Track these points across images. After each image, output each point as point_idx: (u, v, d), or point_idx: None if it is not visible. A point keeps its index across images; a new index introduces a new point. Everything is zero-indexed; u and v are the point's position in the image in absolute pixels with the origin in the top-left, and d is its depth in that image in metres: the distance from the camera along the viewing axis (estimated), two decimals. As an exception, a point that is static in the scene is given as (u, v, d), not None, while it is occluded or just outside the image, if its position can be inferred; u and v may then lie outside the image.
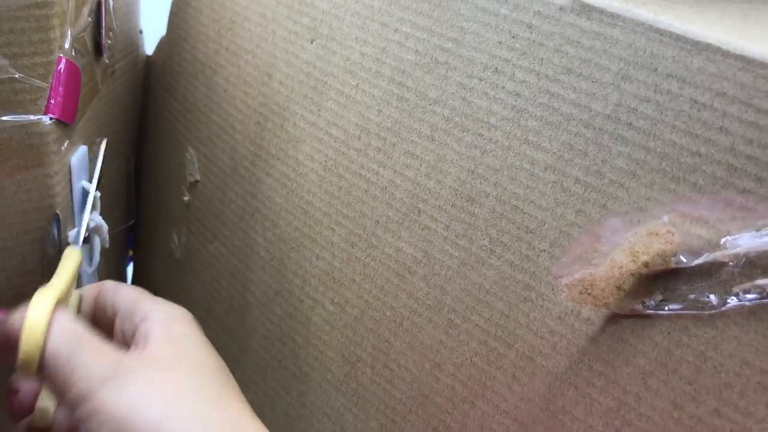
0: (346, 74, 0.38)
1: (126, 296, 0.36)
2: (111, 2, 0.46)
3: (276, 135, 0.42)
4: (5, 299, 0.43)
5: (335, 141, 0.38)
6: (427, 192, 0.35)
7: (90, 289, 0.38)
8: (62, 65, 0.39)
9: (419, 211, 0.35)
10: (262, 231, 0.43)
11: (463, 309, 0.34)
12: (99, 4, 0.44)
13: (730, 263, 0.26)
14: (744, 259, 0.26)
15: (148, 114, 0.54)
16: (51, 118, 0.39)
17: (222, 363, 0.34)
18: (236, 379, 0.44)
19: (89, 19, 0.42)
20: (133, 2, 0.51)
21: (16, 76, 0.38)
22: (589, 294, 0.29)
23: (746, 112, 0.26)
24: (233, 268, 0.45)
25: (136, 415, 0.29)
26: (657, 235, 0.27)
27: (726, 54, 0.26)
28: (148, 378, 0.30)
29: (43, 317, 0.32)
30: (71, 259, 0.38)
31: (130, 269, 0.58)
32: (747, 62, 0.25)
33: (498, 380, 0.33)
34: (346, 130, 0.38)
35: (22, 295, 0.45)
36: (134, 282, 0.59)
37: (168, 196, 0.50)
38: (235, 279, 0.45)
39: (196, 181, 0.48)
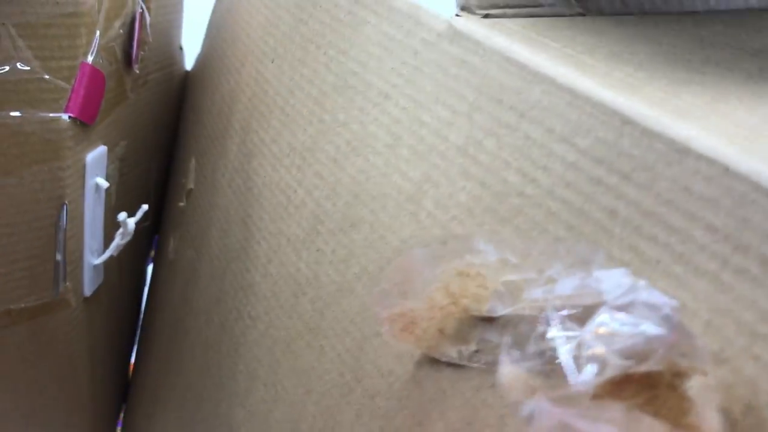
0: (288, 94, 0.38)
1: None
2: (148, 18, 0.50)
3: (239, 150, 0.43)
4: (11, 280, 0.48)
5: (273, 158, 0.39)
6: (325, 214, 0.34)
7: None
8: (85, 70, 0.43)
9: (317, 233, 0.34)
10: (216, 239, 0.44)
11: (332, 336, 0.32)
12: (133, 19, 0.48)
13: (536, 317, 0.23)
14: (544, 313, 0.23)
15: (179, 127, 0.58)
16: (69, 117, 0.43)
17: None
18: (180, 384, 0.46)
19: (120, 31, 0.46)
20: (175, 20, 0.55)
21: (45, 77, 0.42)
22: (411, 333, 0.27)
23: (568, 151, 0.23)
24: (196, 273, 0.47)
25: None
26: (468, 275, 0.25)
27: (559, 86, 0.23)
28: None
29: None
30: None
31: (149, 269, 0.62)
32: (575, 96, 0.23)
33: (346, 416, 0.31)
34: (281, 148, 0.38)
35: (25, 278, 0.49)
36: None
37: (172, 202, 0.53)
38: (196, 284, 0.47)
39: (191, 189, 0.50)
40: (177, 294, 0.51)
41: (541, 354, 0.19)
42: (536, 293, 0.22)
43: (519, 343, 0.23)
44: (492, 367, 0.25)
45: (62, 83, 0.42)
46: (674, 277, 0.19)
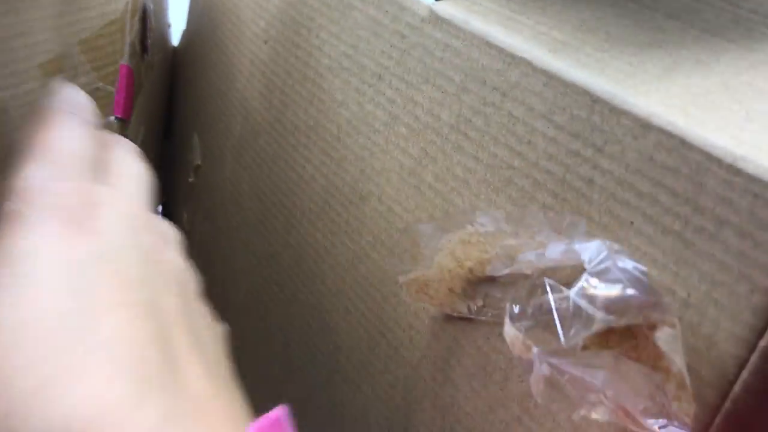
0: (285, 75, 0.41)
1: None
2: (151, 5, 0.52)
3: (243, 127, 0.46)
4: None
5: (279, 136, 0.42)
6: (335, 188, 0.37)
7: None
8: (124, 71, 0.45)
9: (330, 206, 0.38)
10: (234, 214, 0.47)
11: (355, 297, 0.36)
12: (145, 9, 0.49)
13: (533, 275, 0.27)
14: (539, 273, 0.26)
15: (173, 102, 0.60)
16: (116, 118, 0.46)
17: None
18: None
19: (138, 25, 0.48)
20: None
21: (99, 85, 0.44)
22: (426, 294, 0.30)
23: (548, 127, 0.26)
24: (217, 244, 0.50)
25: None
26: (469, 243, 0.28)
27: (535, 68, 0.26)
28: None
29: None
30: None
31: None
32: (550, 77, 0.26)
33: (375, 366, 0.35)
34: (285, 126, 0.41)
35: None
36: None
37: (180, 178, 0.56)
38: (216, 256, 0.50)
39: (198, 165, 0.53)
40: (197, 264, 0.54)
41: (537, 313, 0.22)
42: (529, 255, 0.26)
43: (519, 304, 0.27)
44: (498, 318, 0.28)
45: (110, 88, 0.45)
46: (646, 235, 0.23)
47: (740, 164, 0.20)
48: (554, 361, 0.21)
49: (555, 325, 0.21)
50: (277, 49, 0.41)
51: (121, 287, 0.22)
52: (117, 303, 0.21)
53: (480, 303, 0.29)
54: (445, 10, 0.30)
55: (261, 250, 0.44)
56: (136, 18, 0.46)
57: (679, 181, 0.22)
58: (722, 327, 0.21)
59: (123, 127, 0.46)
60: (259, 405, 0.47)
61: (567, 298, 0.21)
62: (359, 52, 0.35)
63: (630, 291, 0.20)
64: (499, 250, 0.27)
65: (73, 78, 0.42)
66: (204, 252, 0.52)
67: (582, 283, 0.21)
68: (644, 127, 0.23)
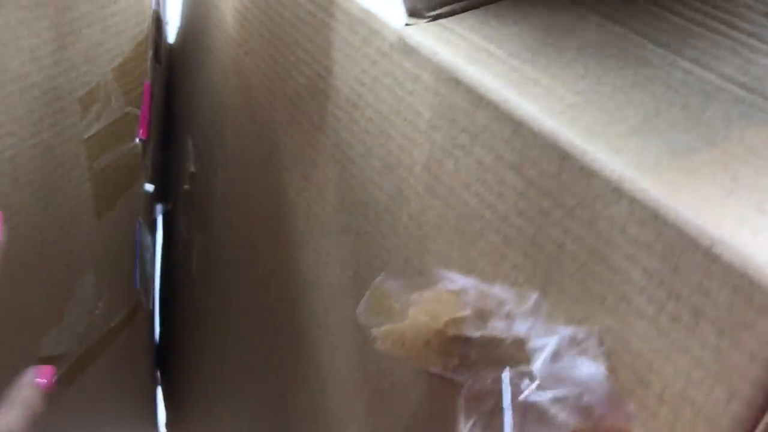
0: (266, 91, 0.38)
1: None
2: (162, 15, 0.49)
3: (228, 140, 0.44)
4: (112, 299, 0.50)
5: (262, 155, 0.40)
6: (316, 217, 0.35)
7: None
8: (148, 90, 0.44)
9: (311, 234, 0.36)
10: (225, 230, 0.46)
11: (339, 333, 0.34)
12: (158, 19, 0.47)
13: (506, 340, 0.24)
14: (511, 340, 0.24)
15: (169, 103, 0.58)
16: (140, 140, 0.45)
17: None
18: (228, 359, 0.48)
19: (155, 33, 0.46)
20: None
21: (127, 110, 0.43)
22: (402, 345, 0.28)
23: (518, 180, 0.23)
24: (208, 256, 0.49)
25: None
26: (439, 301, 0.26)
27: (502, 113, 0.23)
28: None
29: None
30: None
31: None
32: (518, 124, 0.23)
33: (360, 408, 0.34)
34: (270, 144, 0.39)
35: (121, 294, 0.51)
36: (163, 257, 0.64)
37: (179, 184, 0.55)
38: (211, 267, 0.49)
39: (193, 173, 0.52)
40: (194, 266, 0.53)
41: (494, 412, 0.20)
42: (499, 325, 0.23)
43: (479, 397, 0.25)
44: (472, 380, 0.26)
45: (136, 110, 0.43)
46: (619, 316, 0.20)
47: (717, 249, 0.18)
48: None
49: (511, 424, 0.19)
50: (257, 62, 0.39)
51: None
52: None
53: (456, 362, 0.27)
54: (413, 37, 0.27)
55: (252, 272, 0.43)
56: (153, 29, 0.45)
57: (653, 259, 0.19)
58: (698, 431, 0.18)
59: (145, 148, 0.45)
60: (254, 428, 0.47)
61: (524, 397, 0.19)
62: (334, 75, 0.32)
63: (589, 396, 0.18)
64: (471, 311, 0.25)
65: (106, 106, 0.41)
66: (201, 263, 0.51)
67: (537, 383, 0.19)
68: (615, 192, 0.20)
